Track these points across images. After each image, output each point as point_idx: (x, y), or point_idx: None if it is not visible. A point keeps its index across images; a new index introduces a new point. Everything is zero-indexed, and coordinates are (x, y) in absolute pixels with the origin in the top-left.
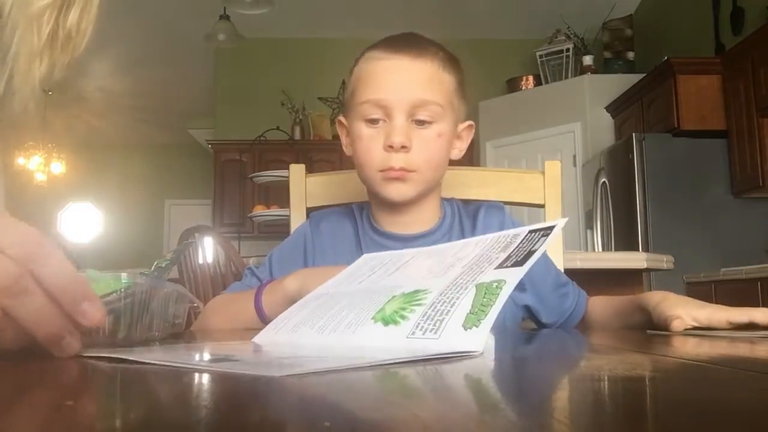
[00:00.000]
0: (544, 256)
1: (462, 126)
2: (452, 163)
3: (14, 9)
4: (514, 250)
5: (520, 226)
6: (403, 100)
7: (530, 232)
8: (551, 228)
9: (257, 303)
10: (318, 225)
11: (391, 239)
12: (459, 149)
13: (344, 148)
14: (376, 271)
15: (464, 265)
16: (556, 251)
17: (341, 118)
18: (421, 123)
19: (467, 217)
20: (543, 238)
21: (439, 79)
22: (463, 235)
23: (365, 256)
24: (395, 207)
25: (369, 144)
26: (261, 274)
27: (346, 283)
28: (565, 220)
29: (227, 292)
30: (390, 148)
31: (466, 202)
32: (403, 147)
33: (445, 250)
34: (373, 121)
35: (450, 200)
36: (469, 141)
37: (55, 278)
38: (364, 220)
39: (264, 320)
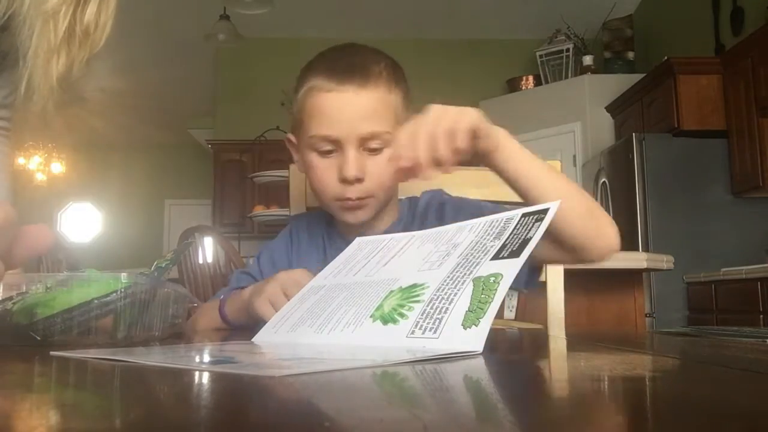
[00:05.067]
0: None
1: None
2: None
3: (31, 8)
4: (508, 237)
5: (458, 203)
6: (353, 134)
7: (523, 215)
8: (545, 211)
9: (222, 312)
10: (297, 226)
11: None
12: None
13: (296, 164)
14: (371, 259)
15: (460, 254)
16: None
17: (290, 137)
18: (372, 150)
19: (418, 215)
20: (537, 224)
21: (386, 105)
22: (423, 226)
23: (359, 239)
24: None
25: (323, 175)
26: (252, 271)
27: (343, 273)
28: (558, 202)
29: (212, 299)
30: (345, 181)
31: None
32: (358, 180)
33: (439, 234)
34: (325, 152)
35: (409, 199)
36: None
37: None
38: (333, 227)
39: (231, 326)
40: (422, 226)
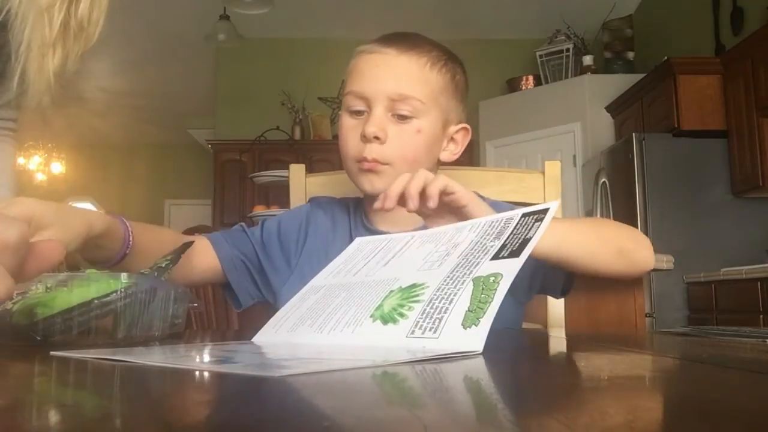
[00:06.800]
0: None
1: (455, 128)
2: (452, 163)
3: (24, 2)
4: (508, 237)
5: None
6: (382, 92)
7: (523, 215)
8: (545, 211)
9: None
10: (318, 206)
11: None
12: (452, 152)
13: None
14: (371, 259)
15: (460, 254)
16: None
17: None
18: (401, 117)
19: None
20: (537, 224)
21: (423, 76)
22: None
23: (359, 239)
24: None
25: (348, 134)
26: (251, 234)
27: (343, 273)
28: (558, 202)
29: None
30: (365, 138)
31: None
32: (376, 138)
33: (439, 234)
34: (355, 113)
35: None
36: (464, 145)
37: None
38: (358, 216)
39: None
40: None
